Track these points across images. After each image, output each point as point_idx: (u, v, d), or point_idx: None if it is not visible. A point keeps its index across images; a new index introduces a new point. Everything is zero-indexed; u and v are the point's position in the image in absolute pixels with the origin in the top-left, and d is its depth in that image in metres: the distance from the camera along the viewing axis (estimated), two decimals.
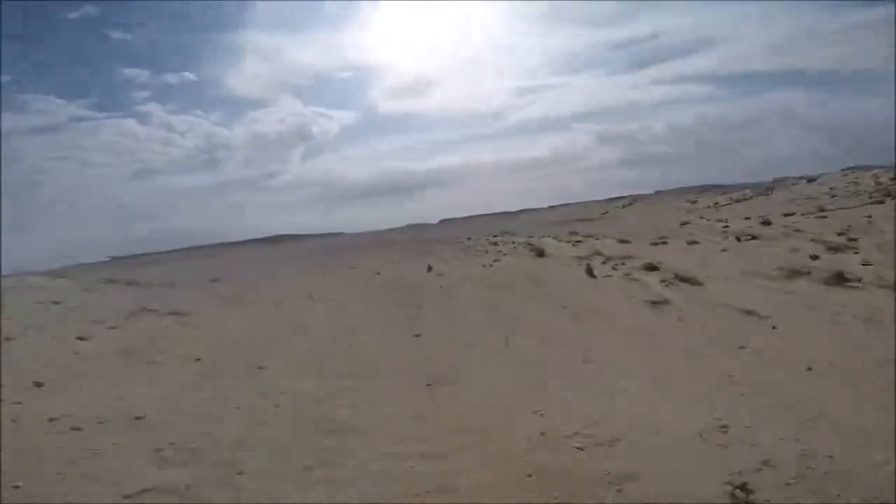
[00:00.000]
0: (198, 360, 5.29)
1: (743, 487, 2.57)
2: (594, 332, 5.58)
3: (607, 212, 36.83)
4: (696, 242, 14.89)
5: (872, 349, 4.50)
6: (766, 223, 19.02)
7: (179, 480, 2.76)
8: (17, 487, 2.69)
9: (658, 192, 39.43)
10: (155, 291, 15.16)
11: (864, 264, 8.22)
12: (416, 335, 5.76)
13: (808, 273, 8.69)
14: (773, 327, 5.47)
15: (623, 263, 11.16)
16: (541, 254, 14.93)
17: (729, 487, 2.56)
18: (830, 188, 27.34)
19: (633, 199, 38.89)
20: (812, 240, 12.07)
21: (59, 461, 2.97)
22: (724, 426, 3.18)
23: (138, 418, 3.65)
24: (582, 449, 3.00)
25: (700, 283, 8.37)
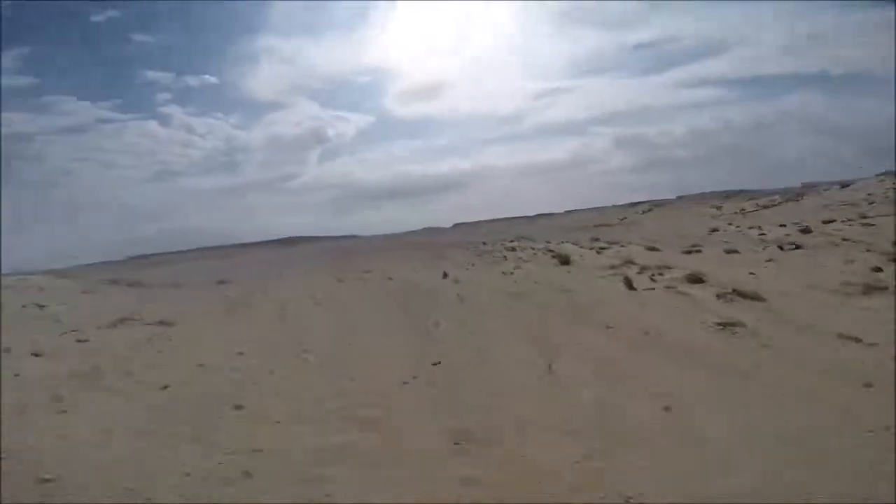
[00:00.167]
0: (164, 388, 4.22)
1: None
2: (659, 363, 4.37)
3: (626, 217, 35.30)
4: (734, 251, 13.52)
5: None
6: (806, 231, 17.48)
7: None
8: None
9: (680, 198, 37.80)
10: (155, 293, 14.29)
11: None
12: (435, 363, 4.62)
13: (885, 288, 7.39)
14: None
15: (661, 274, 9.88)
16: (565, 261, 13.66)
17: None
18: (868, 194, 25.52)
19: (653, 205, 37.33)
20: (867, 250, 10.73)
21: None
22: None
23: (45, 480, 2.58)
24: None
25: (763, 300, 7.09)
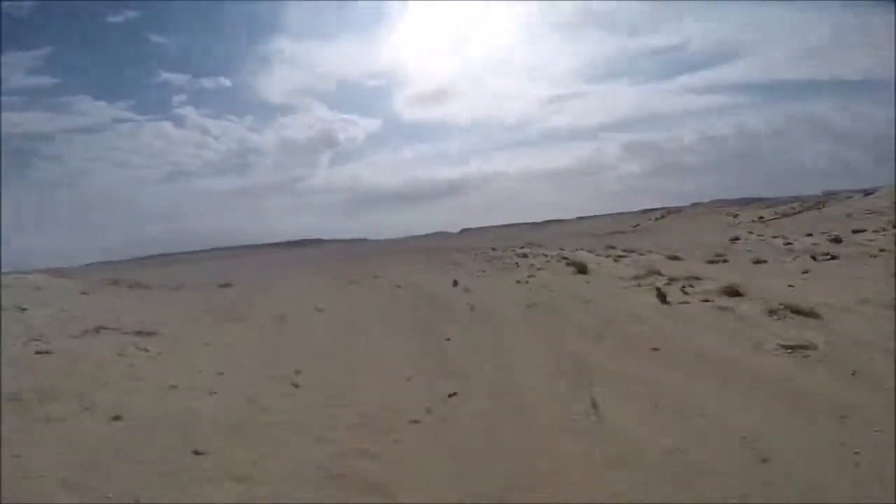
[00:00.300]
0: (115, 418, 3.38)
1: None
2: (730, 397, 3.45)
3: (639, 224, 34.22)
4: (762, 261, 12.56)
5: None
6: (837, 241, 16.44)
7: None
8: None
9: (694, 205, 36.64)
10: (150, 296, 13.55)
11: None
12: (451, 394, 3.73)
13: None
14: None
15: (691, 286, 8.94)
16: (582, 270, 12.72)
17: None
18: (894, 202, 24.30)
19: (667, 212, 36.23)
20: None
21: None
22: None
23: None
24: None
25: (818, 316, 6.12)
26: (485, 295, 9.51)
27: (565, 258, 17.26)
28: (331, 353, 5.30)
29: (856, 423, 3.03)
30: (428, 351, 5.13)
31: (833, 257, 12.08)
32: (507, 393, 3.74)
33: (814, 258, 12.33)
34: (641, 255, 16.87)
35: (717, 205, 36.02)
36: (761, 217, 28.81)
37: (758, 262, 13.07)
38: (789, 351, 4.56)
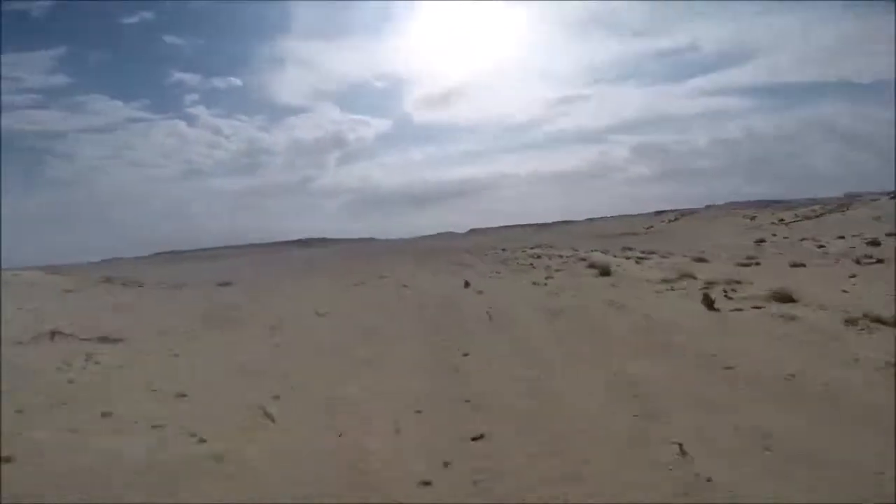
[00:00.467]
0: (6, 461, 2.42)
1: None
2: (854, 437, 2.41)
3: (652, 226, 32.95)
4: (800, 264, 11.41)
5: None
6: (874, 243, 15.27)
7: None
8: None
9: (708, 207, 35.31)
10: (144, 294, 12.67)
11: None
12: (476, 436, 2.71)
13: None
14: None
15: (734, 290, 7.86)
16: (605, 272, 11.60)
17: None
18: None
19: (680, 214, 34.92)
20: None
21: None
22: None
23: None
24: None
25: None
26: (501, 298, 8.47)
27: (583, 259, 16.14)
28: (323, 371, 4.29)
29: None
30: (442, 370, 4.12)
31: (879, 261, 11.02)
32: (553, 434, 2.72)
33: (857, 262, 11.27)
34: (664, 257, 15.73)
35: (733, 207, 34.74)
36: (781, 219, 27.46)
37: (795, 265, 11.96)
38: None
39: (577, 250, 21.60)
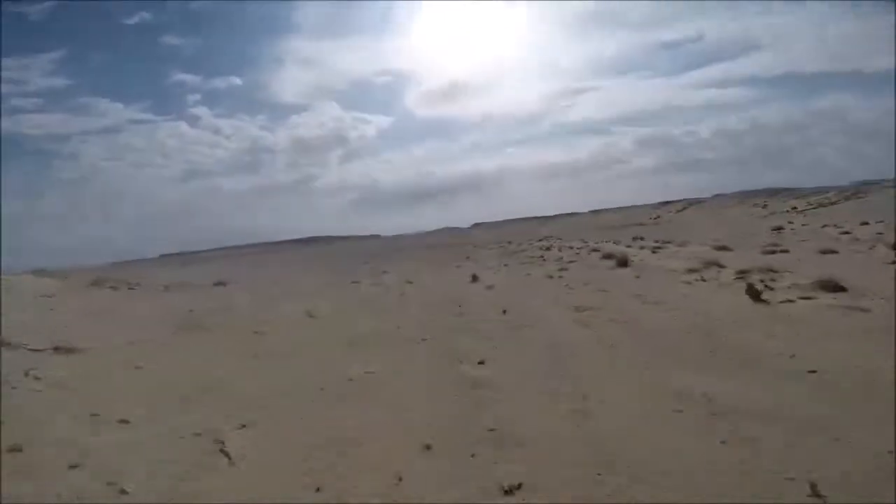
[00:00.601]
0: None
1: None
2: None
3: (660, 216, 31.96)
4: (831, 251, 10.52)
5: None
6: None
7: None
8: None
9: (717, 196, 34.28)
10: (130, 296, 11.87)
11: None
12: (510, 488, 1.87)
13: None
14: None
15: (772, 279, 7.00)
16: (623, 262, 10.73)
17: None
18: None
19: (688, 203, 33.91)
20: None
21: None
22: None
23: None
24: None
25: None
26: (514, 293, 7.63)
27: (595, 250, 15.23)
28: (304, 392, 3.44)
29: None
30: (454, 385, 3.27)
31: None
32: (620, 480, 1.87)
33: (893, 247, 10.39)
34: (680, 246, 14.81)
35: (742, 196, 33.71)
36: (794, 207, 26.40)
37: (825, 251, 11.08)
38: None
39: (586, 242, 20.65)
